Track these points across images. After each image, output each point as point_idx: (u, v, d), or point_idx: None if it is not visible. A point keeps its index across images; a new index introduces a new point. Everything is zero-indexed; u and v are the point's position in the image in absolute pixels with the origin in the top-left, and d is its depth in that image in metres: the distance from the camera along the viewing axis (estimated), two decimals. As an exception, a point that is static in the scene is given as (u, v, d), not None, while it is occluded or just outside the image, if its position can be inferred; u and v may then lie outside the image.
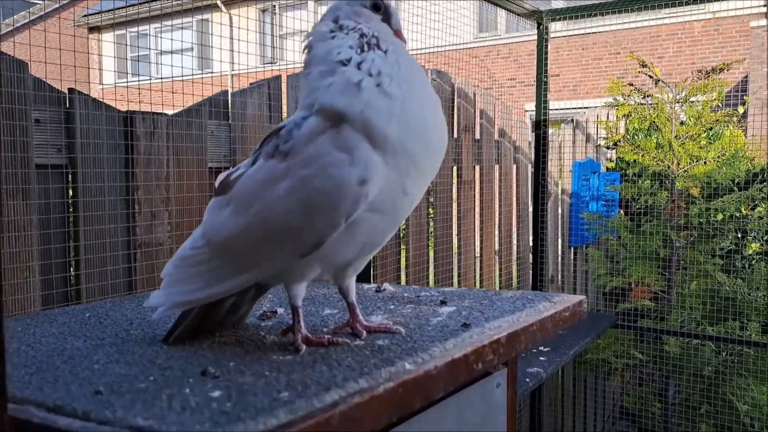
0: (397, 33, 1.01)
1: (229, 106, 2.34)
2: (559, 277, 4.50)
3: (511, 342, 1.01)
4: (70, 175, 1.84)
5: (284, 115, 2.63)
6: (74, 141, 1.82)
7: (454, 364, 0.87)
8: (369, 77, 0.89)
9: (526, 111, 11.50)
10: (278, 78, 2.59)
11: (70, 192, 1.84)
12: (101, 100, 1.96)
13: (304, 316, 1.10)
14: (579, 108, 10.22)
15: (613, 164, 4.97)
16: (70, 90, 1.85)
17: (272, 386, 0.77)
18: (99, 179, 1.88)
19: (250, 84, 2.50)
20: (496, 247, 3.99)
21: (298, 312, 0.98)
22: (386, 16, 1.01)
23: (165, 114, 2.15)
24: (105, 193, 1.90)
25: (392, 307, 1.23)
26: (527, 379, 2.60)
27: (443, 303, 1.23)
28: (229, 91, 2.41)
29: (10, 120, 1.65)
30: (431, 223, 3.39)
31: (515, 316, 1.10)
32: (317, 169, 0.85)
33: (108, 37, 15.52)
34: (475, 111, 3.73)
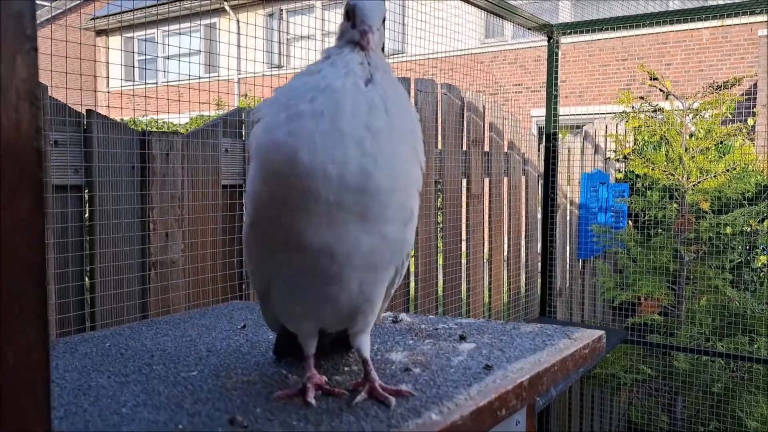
0: (361, 33, 0.89)
1: (244, 126, 2.35)
2: (568, 290, 4.50)
3: (534, 385, 1.01)
4: (87, 198, 1.85)
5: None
6: (92, 164, 1.83)
7: (480, 412, 0.88)
8: (271, 110, 0.87)
9: (533, 117, 11.50)
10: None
11: (87, 215, 1.86)
12: (110, 103, 1.98)
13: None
14: (585, 114, 10.21)
15: (621, 175, 4.97)
16: (88, 112, 1.86)
17: (302, 440, 0.77)
18: (116, 201, 1.89)
19: (264, 101, 2.51)
20: (505, 260, 3.99)
21: (307, 360, 1.00)
22: (353, 20, 0.92)
23: (180, 134, 2.16)
24: (121, 214, 1.92)
25: (411, 342, 1.24)
26: (537, 398, 2.60)
27: (462, 339, 1.24)
28: (242, 110, 2.42)
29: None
30: (440, 236, 3.40)
31: (536, 356, 1.10)
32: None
33: (115, 40, 15.58)
34: (484, 124, 3.73)
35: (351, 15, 0.92)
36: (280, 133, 0.83)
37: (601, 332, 1.26)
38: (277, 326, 1.14)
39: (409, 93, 3.20)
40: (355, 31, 0.91)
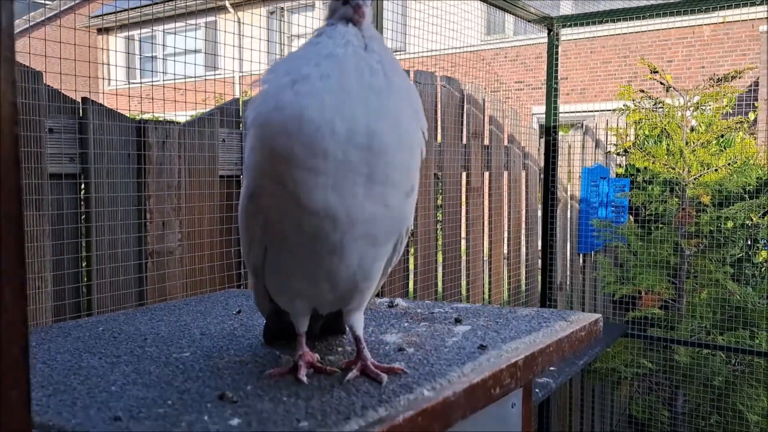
0: (355, 9, 0.91)
1: (241, 114, 2.34)
2: (568, 284, 4.48)
3: (528, 365, 1.00)
4: (83, 186, 1.85)
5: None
6: (87, 151, 1.83)
7: (473, 389, 0.87)
8: (271, 78, 0.87)
9: (534, 114, 11.48)
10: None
11: (83, 202, 1.85)
12: (110, 102, 1.97)
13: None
14: (587, 111, 10.19)
15: (622, 170, 4.95)
16: (84, 99, 1.86)
17: (291, 414, 0.76)
18: (112, 189, 1.89)
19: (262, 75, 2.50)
20: (505, 254, 3.98)
21: (299, 339, 0.99)
22: None
23: (177, 123, 2.15)
24: (117, 202, 1.91)
25: (406, 324, 1.23)
26: (537, 390, 2.59)
27: (458, 321, 1.23)
28: (240, 98, 2.41)
29: (25, 131, 1.66)
30: (440, 230, 3.39)
31: (531, 336, 1.09)
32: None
33: (116, 38, 15.58)
34: (484, 117, 3.72)
35: None
36: (286, 95, 0.83)
37: (598, 315, 1.25)
38: (267, 309, 1.12)
39: (408, 85, 3.18)
40: (347, 7, 0.91)
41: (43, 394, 0.89)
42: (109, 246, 1.88)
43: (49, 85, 1.76)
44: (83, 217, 1.85)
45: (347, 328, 1.01)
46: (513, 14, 3.62)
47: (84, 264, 1.85)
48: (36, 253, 1.70)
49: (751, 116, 4.92)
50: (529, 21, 3.73)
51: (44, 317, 1.71)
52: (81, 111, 1.84)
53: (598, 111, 9.50)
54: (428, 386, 0.85)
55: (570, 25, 3.82)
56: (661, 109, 4.07)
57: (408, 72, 3.19)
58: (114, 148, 1.90)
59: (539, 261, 4.21)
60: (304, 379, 0.89)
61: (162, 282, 2.03)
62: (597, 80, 11.65)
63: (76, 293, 1.81)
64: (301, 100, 0.82)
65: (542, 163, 4.15)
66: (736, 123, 3.96)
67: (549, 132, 3.94)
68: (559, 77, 3.87)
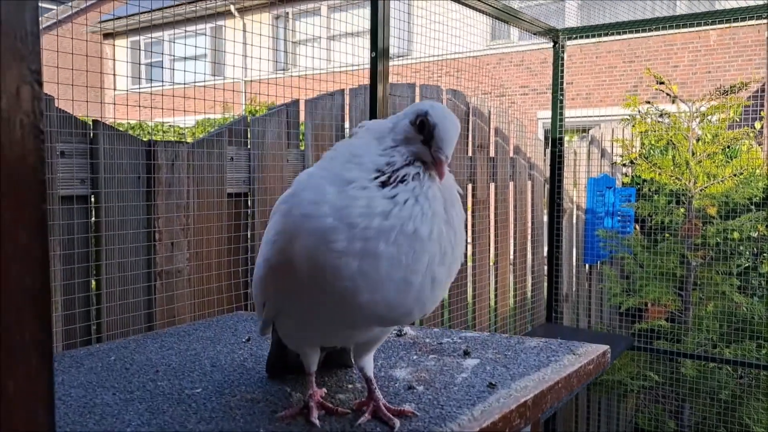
0: (436, 159, 0.84)
1: (249, 134, 2.36)
2: (574, 295, 4.48)
3: (537, 403, 1.01)
4: (93, 209, 1.86)
5: (302, 139, 2.65)
6: (98, 175, 1.84)
7: (483, 434, 0.88)
8: (340, 221, 0.80)
9: (539, 119, 11.48)
10: (296, 103, 2.60)
11: (93, 226, 1.86)
12: (116, 109, 1.98)
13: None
14: (592, 116, 10.18)
15: (628, 179, 4.95)
16: (95, 123, 1.87)
17: (305, 464, 0.77)
18: (122, 212, 1.90)
19: (269, 109, 2.51)
20: (511, 266, 3.98)
21: (309, 378, 1.00)
22: (428, 137, 0.85)
23: (186, 143, 2.17)
24: (127, 225, 1.92)
25: (415, 357, 1.24)
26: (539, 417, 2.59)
27: (467, 354, 1.23)
28: (247, 117, 2.43)
29: (36, 158, 1.67)
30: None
31: (540, 373, 1.10)
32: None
33: (122, 43, 15.64)
34: (489, 129, 3.73)
35: (426, 131, 0.85)
36: (350, 264, 0.79)
37: (606, 347, 1.26)
38: (272, 339, 1.14)
39: (414, 99, 3.20)
40: (425, 150, 0.85)
41: (58, 437, 0.90)
42: (118, 269, 1.89)
43: (61, 110, 1.78)
44: (93, 240, 1.87)
45: (357, 370, 1.02)
46: (518, 27, 3.63)
47: (94, 287, 1.86)
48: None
49: (758, 126, 4.91)
50: (534, 33, 3.74)
51: (55, 341, 1.72)
52: (92, 135, 1.86)
53: (603, 116, 9.49)
54: (439, 432, 0.86)
55: (575, 37, 3.83)
56: (667, 120, 4.07)
57: (414, 85, 3.21)
58: (124, 171, 1.91)
59: (545, 271, 4.22)
60: (317, 422, 0.90)
61: (171, 303, 2.04)
62: (602, 85, 11.64)
63: (87, 317, 1.83)
64: (361, 282, 0.79)
65: (548, 174, 4.16)
66: (743, 134, 3.96)
67: (555, 143, 3.94)
68: (564, 86, 3.88)
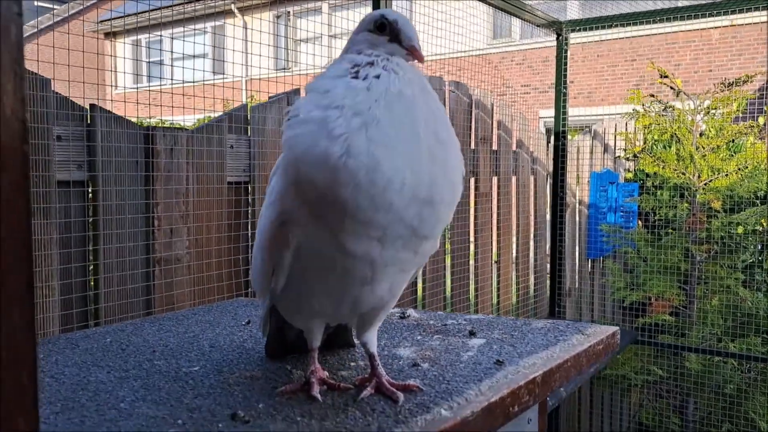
0: (410, 50, 0.88)
1: (249, 120, 2.33)
2: (577, 290, 4.45)
3: (546, 381, 0.98)
4: (90, 194, 1.83)
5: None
6: (95, 159, 1.81)
7: (491, 408, 0.84)
8: (327, 110, 0.80)
9: (541, 117, 11.44)
10: (297, 91, 2.57)
11: (91, 210, 1.83)
12: (117, 106, 1.96)
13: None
14: (594, 115, 10.14)
15: (631, 174, 4.92)
16: (92, 106, 1.84)
17: (306, 435, 0.74)
18: (120, 197, 1.87)
19: (269, 97, 2.48)
20: (514, 260, 3.95)
21: (312, 353, 0.97)
22: (394, 34, 0.89)
23: (185, 129, 2.13)
24: (125, 210, 1.89)
25: (419, 337, 1.21)
26: (547, 398, 2.56)
27: (472, 334, 1.20)
28: (247, 104, 2.40)
29: (33, 139, 1.64)
30: (448, 235, 3.36)
31: (548, 351, 1.07)
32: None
33: (123, 43, 15.62)
34: (492, 122, 3.70)
35: (390, 30, 0.89)
36: (359, 141, 0.77)
37: (615, 328, 1.22)
38: (269, 328, 1.10)
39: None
40: (395, 46, 0.88)
41: (51, 411, 0.87)
42: (116, 254, 1.86)
43: (57, 92, 1.75)
44: (91, 225, 1.83)
45: (361, 345, 0.98)
46: (522, 19, 3.60)
47: (91, 272, 1.83)
48: (43, 261, 1.68)
49: (761, 120, 4.88)
50: (538, 26, 3.71)
51: (52, 326, 1.69)
52: (89, 118, 1.83)
53: (605, 114, 9.46)
54: (445, 405, 0.82)
55: (579, 30, 3.80)
56: (670, 114, 4.03)
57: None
58: (122, 156, 1.88)
59: (548, 266, 4.18)
60: (318, 396, 0.87)
61: (170, 290, 2.01)
62: (604, 84, 11.61)
63: (84, 302, 1.79)
64: (376, 151, 0.77)
65: (551, 168, 4.13)
66: (747, 127, 3.92)
67: (558, 137, 3.91)
68: (568, 80, 3.85)
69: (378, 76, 0.83)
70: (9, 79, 0.48)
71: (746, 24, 10.03)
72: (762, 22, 9.56)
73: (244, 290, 2.21)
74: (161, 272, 2.00)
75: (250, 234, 2.30)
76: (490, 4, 3.28)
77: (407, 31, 0.89)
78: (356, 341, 1.11)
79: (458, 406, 0.83)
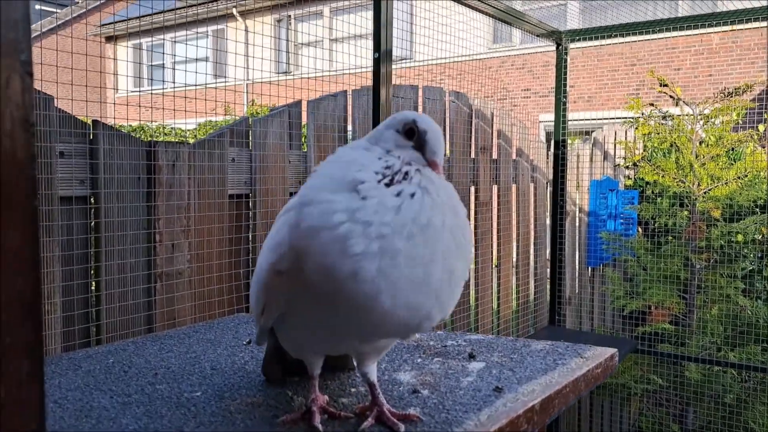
0: (432, 164, 0.87)
1: (250, 134, 2.34)
2: (577, 298, 4.46)
3: (545, 408, 0.99)
4: (92, 210, 1.84)
5: (304, 141, 2.63)
6: (98, 175, 1.82)
7: (490, 440, 0.85)
8: (356, 223, 0.78)
9: (541, 122, 11.45)
10: (299, 104, 2.58)
11: (93, 226, 1.84)
12: (118, 110, 1.97)
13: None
14: (594, 119, 10.16)
15: (631, 182, 4.93)
16: (94, 123, 1.85)
17: (307, 470, 0.75)
18: (122, 213, 1.88)
19: (270, 110, 2.49)
20: (514, 269, 3.96)
21: (312, 381, 0.98)
22: (419, 143, 0.88)
23: (187, 143, 2.15)
24: (127, 226, 1.90)
25: (419, 360, 1.21)
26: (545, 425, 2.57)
27: (472, 357, 1.21)
28: (249, 118, 2.41)
29: (36, 158, 1.65)
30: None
31: (547, 377, 1.07)
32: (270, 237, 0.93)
33: (123, 47, 15.66)
34: (492, 131, 3.71)
35: (417, 137, 0.89)
36: (370, 266, 0.76)
37: (614, 350, 1.23)
38: (268, 344, 1.12)
39: (417, 101, 3.18)
40: (420, 157, 0.88)
41: (54, 441, 0.88)
42: (118, 270, 1.87)
43: (60, 109, 1.76)
44: (93, 241, 1.84)
45: (360, 374, 0.99)
46: (521, 29, 3.61)
47: (93, 289, 1.84)
48: (46, 279, 1.69)
49: (761, 128, 4.89)
50: (537, 35, 3.72)
51: (54, 343, 1.70)
52: (91, 135, 1.84)
53: (605, 119, 9.47)
54: (445, 437, 0.83)
55: (578, 40, 3.81)
56: (670, 123, 4.04)
57: (416, 87, 3.19)
58: (124, 172, 1.89)
59: (548, 274, 4.19)
60: (320, 427, 0.88)
61: (171, 305, 2.02)
62: (604, 88, 11.62)
63: (86, 318, 1.80)
64: (381, 284, 0.77)
65: (551, 176, 4.14)
66: (746, 136, 3.93)
67: (557, 145, 3.92)
68: (567, 89, 3.86)
69: (412, 195, 0.81)
70: (17, 86, 0.49)
71: (746, 29, 10.05)
72: (762, 27, 9.57)
73: (245, 304, 2.22)
74: (162, 287, 2.01)
75: (251, 248, 2.31)
76: (489, 15, 3.30)
77: (433, 145, 0.88)
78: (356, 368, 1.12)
79: (457, 437, 0.84)
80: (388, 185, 0.82)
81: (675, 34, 10.39)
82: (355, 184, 0.81)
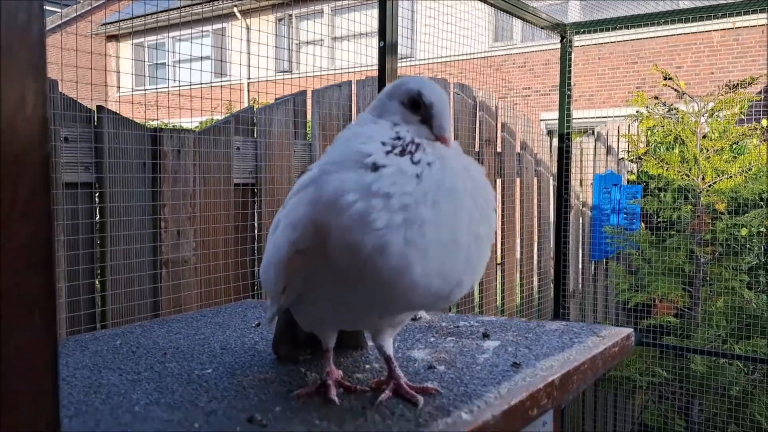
0: (439, 138, 0.83)
1: (255, 122, 2.32)
2: (580, 292, 4.44)
3: (564, 384, 0.97)
4: (97, 195, 1.82)
5: (309, 130, 2.61)
6: (102, 160, 1.80)
7: (511, 411, 0.83)
8: (373, 197, 0.75)
9: (542, 120, 11.43)
10: (303, 93, 2.56)
11: (98, 212, 1.82)
12: (120, 109, 1.95)
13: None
14: (596, 117, 10.14)
15: (634, 176, 4.91)
16: (99, 108, 1.83)
17: (326, 439, 0.73)
18: (127, 198, 1.86)
19: (276, 99, 2.48)
20: (518, 261, 3.94)
21: (326, 354, 0.96)
22: (426, 117, 0.84)
23: (192, 131, 2.13)
24: (132, 212, 1.88)
25: (432, 339, 1.20)
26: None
27: (486, 336, 1.19)
28: (254, 107, 2.39)
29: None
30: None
31: (565, 354, 1.06)
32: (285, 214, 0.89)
33: (126, 45, 15.64)
34: (497, 124, 3.69)
35: (423, 110, 0.85)
36: (395, 239, 0.74)
37: (630, 330, 1.21)
38: (278, 321, 1.10)
39: (421, 92, 3.16)
40: (428, 132, 0.84)
41: (65, 415, 0.86)
42: (123, 256, 1.85)
43: (64, 94, 1.74)
44: (98, 226, 1.83)
45: (375, 348, 0.97)
46: (527, 21, 3.59)
47: (98, 274, 1.82)
48: (51, 263, 1.67)
49: (764, 123, 4.87)
50: (542, 28, 3.70)
51: (59, 329, 1.68)
52: (96, 119, 1.82)
53: (607, 117, 9.45)
54: (465, 409, 0.81)
55: (583, 32, 3.79)
56: (675, 116, 4.03)
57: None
58: (129, 157, 1.88)
59: (552, 268, 4.17)
60: (336, 399, 0.86)
61: (177, 292, 2.00)
62: (605, 86, 11.60)
63: (91, 304, 1.78)
64: (410, 254, 0.74)
65: (555, 170, 4.12)
66: (750, 130, 3.91)
67: (562, 139, 3.90)
68: (572, 84, 3.84)
69: (430, 164, 0.79)
70: (30, 79, 0.47)
71: (748, 26, 10.04)
72: (763, 25, 9.56)
73: (251, 292, 2.20)
74: (168, 274, 1.99)
75: (256, 236, 2.29)
76: (494, 6, 3.28)
77: (440, 119, 0.84)
78: (370, 343, 1.10)
79: (478, 409, 0.82)
80: (400, 155, 0.80)
81: (677, 29, 10.37)
82: (363, 156, 0.79)
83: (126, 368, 1.09)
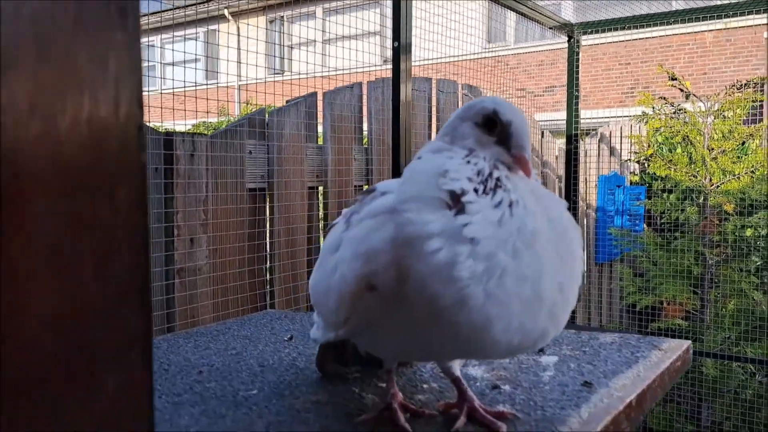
0: (517, 160, 0.77)
1: (266, 125, 2.25)
2: (586, 295, 4.40)
3: (640, 404, 0.91)
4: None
5: (320, 132, 2.54)
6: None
7: (598, 438, 0.77)
8: (459, 244, 0.68)
9: (537, 121, 11.43)
10: (314, 95, 2.49)
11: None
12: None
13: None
14: (589, 118, 10.12)
15: (637, 178, 4.88)
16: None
17: (411, 474, 0.66)
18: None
19: (287, 101, 2.40)
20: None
21: (389, 376, 0.89)
22: (503, 137, 0.78)
23: (204, 134, 2.05)
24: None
25: (484, 354, 1.13)
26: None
27: (541, 351, 1.13)
28: (266, 109, 2.32)
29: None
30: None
31: (633, 371, 0.99)
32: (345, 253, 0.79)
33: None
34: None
35: (499, 131, 0.78)
36: (477, 291, 0.67)
37: (688, 342, 1.15)
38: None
39: (431, 93, 3.10)
40: (505, 154, 0.78)
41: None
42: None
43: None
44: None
45: (442, 370, 0.90)
46: (534, 20, 3.55)
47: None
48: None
49: (766, 123, 4.86)
50: (550, 28, 3.66)
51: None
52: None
53: (600, 118, 9.44)
54: (552, 436, 0.75)
55: (591, 32, 3.75)
56: (682, 117, 3.99)
57: (430, 79, 3.11)
58: (143, 162, 1.79)
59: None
60: (406, 425, 0.79)
61: (192, 302, 1.92)
62: (599, 87, 11.62)
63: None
64: (491, 311, 0.68)
65: (560, 171, 4.07)
66: (756, 130, 3.89)
67: (570, 140, 3.86)
68: (580, 84, 3.80)
69: (511, 205, 0.72)
70: (126, 79, 0.40)
71: (740, 27, 10.09)
72: (756, 25, 9.61)
73: (267, 301, 2.13)
74: (182, 284, 1.91)
75: (269, 243, 2.22)
76: (504, 6, 3.23)
77: (520, 138, 0.78)
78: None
79: (565, 436, 0.76)
80: (483, 193, 0.72)
81: (668, 32, 10.40)
82: (446, 195, 0.72)
83: (164, 389, 1.01)
